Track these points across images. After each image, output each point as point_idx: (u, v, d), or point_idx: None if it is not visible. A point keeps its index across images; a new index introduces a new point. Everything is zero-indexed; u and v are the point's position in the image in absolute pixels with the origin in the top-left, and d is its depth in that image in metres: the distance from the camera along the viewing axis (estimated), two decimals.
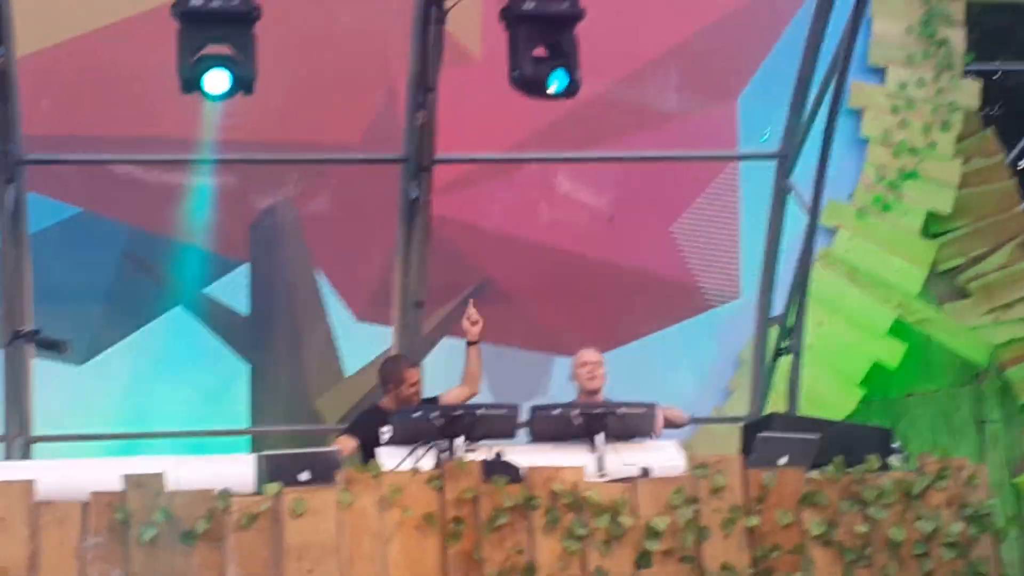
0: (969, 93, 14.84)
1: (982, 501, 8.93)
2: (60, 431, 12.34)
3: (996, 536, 9.05)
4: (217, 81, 10.30)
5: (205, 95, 10.39)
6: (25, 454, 11.66)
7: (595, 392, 10.59)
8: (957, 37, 14.84)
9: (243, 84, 10.33)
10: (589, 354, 10.85)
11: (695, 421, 12.41)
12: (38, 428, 12.01)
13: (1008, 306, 14.64)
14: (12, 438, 11.76)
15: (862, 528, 8.64)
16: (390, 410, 10.17)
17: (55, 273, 12.59)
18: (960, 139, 14.77)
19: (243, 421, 13.72)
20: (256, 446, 11.88)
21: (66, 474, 8.88)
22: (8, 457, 11.51)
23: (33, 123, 11.77)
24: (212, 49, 10.23)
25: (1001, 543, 9.35)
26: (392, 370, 10.87)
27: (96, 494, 8.16)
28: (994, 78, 15.20)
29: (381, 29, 12.01)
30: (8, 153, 11.53)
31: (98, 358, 13.39)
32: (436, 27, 11.22)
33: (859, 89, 14.35)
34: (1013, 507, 13.90)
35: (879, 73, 14.65)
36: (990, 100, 14.90)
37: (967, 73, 14.85)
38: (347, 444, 10.18)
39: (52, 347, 11.24)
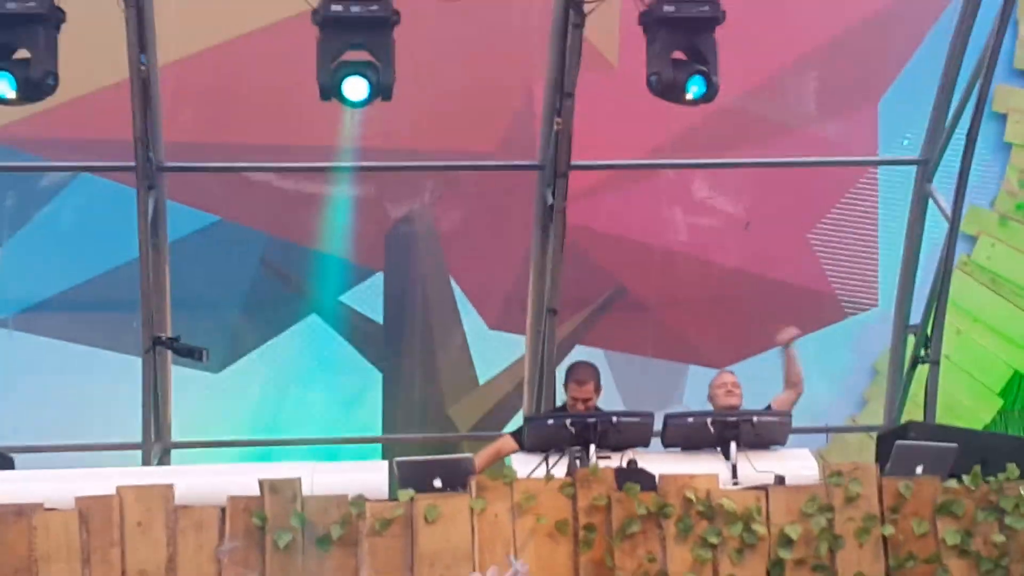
0: None
1: None
2: (197, 438, 12.50)
3: None
4: (356, 87, 10.44)
5: (344, 101, 10.55)
6: (163, 460, 11.79)
7: (734, 408, 10.52)
8: None
9: (381, 90, 10.43)
10: (728, 376, 10.85)
11: (828, 429, 12.38)
12: (176, 434, 12.15)
13: None
14: (151, 444, 11.89)
15: (999, 538, 8.59)
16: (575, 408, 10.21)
17: (193, 281, 12.75)
18: None
19: (376, 429, 13.82)
20: (388, 453, 11.92)
21: (203, 479, 9.04)
22: (147, 463, 11.64)
23: (173, 131, 11.91)
24: (351, 55, 10.38)
25: None
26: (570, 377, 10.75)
27: (233, 499, 8.30)
28: None
29: (519, 34, 12.04)
30: (149, 160, 11.67)
31: (234, 365, 13.54)
32: (575, 32, 11.26)
33: (1004, 93, 14.14)
34: None
35: None
36: None
37: None
38: (506, 446, 10.20)
39: (190, 354, 11.42)
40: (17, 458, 10.05)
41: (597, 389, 10.47)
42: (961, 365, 13.34)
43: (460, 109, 12.91)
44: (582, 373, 10.54)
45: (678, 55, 10.52)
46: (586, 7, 11.10)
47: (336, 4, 10.27)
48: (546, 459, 9.34)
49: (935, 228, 12.63)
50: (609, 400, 12.27)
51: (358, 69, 10.35)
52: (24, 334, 13.54)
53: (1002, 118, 14.29)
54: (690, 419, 9.84)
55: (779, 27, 13.35)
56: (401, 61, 10.45)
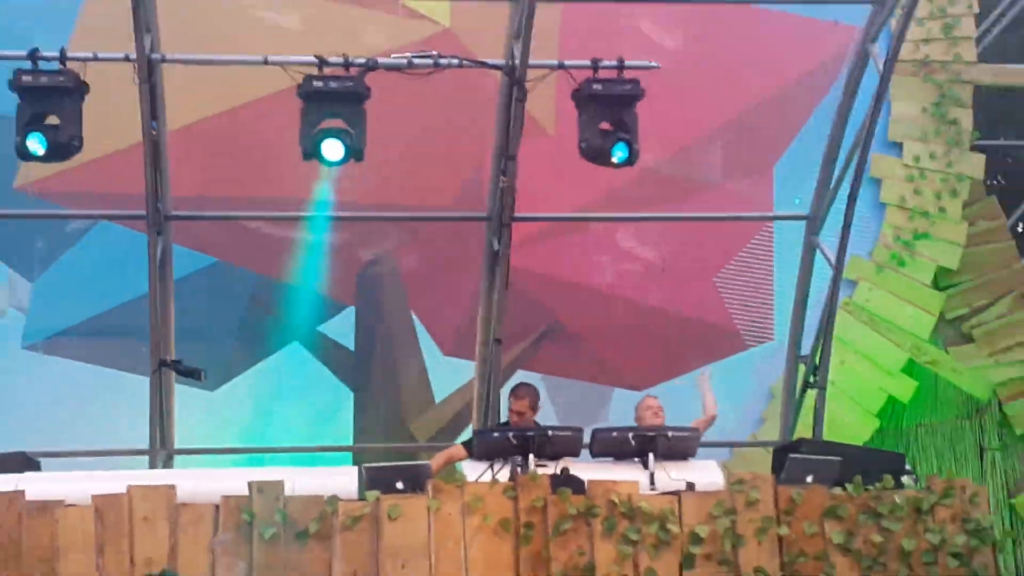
0: (975, 166, 14.78)
1: (983, 517, 8.94)
2: (196, 445, 12.44)
3: (995, 548, 9.08)
4: (333, 150, 10.48)
5: (323, 161, 10.53)
6: (167, 464, 11.76)
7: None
8: (965, 117, 14.78)
9: (354, 153, 10.50)
10: (652, 400, 10.81)
11: (733, 444, 12.41)
12: (178, 443, 12.10)
13: (1007, 350, 14.57)
14: (156, 451, 11.86)
15: (877, 538, 8.68)
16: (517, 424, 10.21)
17: (194, 313, 12.70)
18: (966, 205, 14.71)
19: (347, 439, 13.82)
20: (358, 460, 11.87)
21: (201, 481, 9.01)
22: (153, 466, 11.61)
23: (178, 186, 11.87)
24: (329, 123, 10.39)
25: (999, 554, 9.40)
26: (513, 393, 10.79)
27: (226, 498, 8.35)
28: (997, 153, 15.03)
29: (472, 107, 12.06)
30: (158, 211, 11.63)
31: (228, 385, 13.55)
32: (518, 105, 11.27)
33: (879, 161, 14.31)
34: (1010, 523, 13.78)
35: (897, 147, 14.62)
36: (992, 172, 14.85)
37: (973, 148, 14.78)
38: (456, 454, 10.20)
39: (190, 375, 11.41)
40: (43, 462, 10.01)
41: (533, 406, 10.47)
42: (844, 390, 13.48)
43: (422, 169, 12.99)
44: (521, 390, 10.60)
45: (605, 126, 10.57)
46: (527, 85, 11.13)
47: (317, 80, 10.32)
48: (491, 466, 9.33)
49: (822, 274, 12.69)
50: (546, 416, 12.26)
51: (335, 134, 10.37)
52: (51, 357, 13.50)
53: (878, 182, 14.45)
54: (615, 433, 9.87)
55: (693, 104, 13.48)
56: (372, 128, 10.48)
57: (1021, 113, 15.32)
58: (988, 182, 14.90)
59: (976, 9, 15.00)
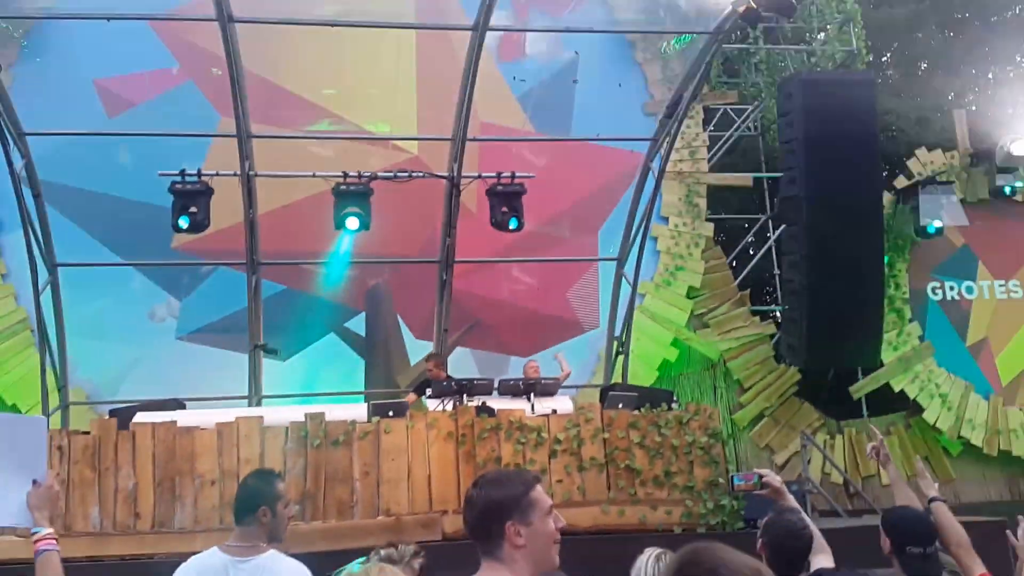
0: (708, 229, 14.83)
1: (716, 426, 9.10)
2: (276, 393, 12.37)
3: (722, 444, 9.23)
4: (352, 224, 10.53)
5: (346, 231, 10.66)
6: (258, 404, 11.67)
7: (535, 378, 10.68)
8: (702, 202, 14.83)
9: (364, 225, 10.64)
10: (533, 362, 10.85)
11: (578, 387, 12.53)
12: (265, 391, 12.04)
13: (727, 332, 14.53)
14: (252, 396, 11.81)
15: (658, 439, 8.82)
16: (434, 378, 10.11)
17: (273, 317, 12.61)
18: (703, 252, 14.73)
19: (361, 387, 13.67)
20: (367, 400, 11.87)
21: (278, 414, 9.07)
22: (250, 406, 11.53)
23: (264, 244, 11.84)
24: (350, 208, 10.44)
25: (725, 447, 9.65)
26: (431, 359, 10.83)
27: (292, 423, 8.41)
28: (721, 222, 15.15)
29: (430, 199, 12.03)
30: (253, 259, 11.67)
31: (293, 357, 13.39)
32: (456, 197, 11.38)
33: (656, 227, 14.22)
34: (729, 431, 13.80)
35: (665, 219, 14.63)
36: (718, 233, 14.88)
37: (707, 219, 14.86)
38: (412, 397, 10.16)
39: (271, 352, 11.34)
40: (188, 404, 10.05)
41: (439, 366, 10.55)
42: (639, 355, 13.43)
43: (401, 234, 12.91)
44: (432, 358, 10.82)
45: (504, 209, 10.68)
46: (461, 186, 11.25)
47: (343, 185, 10.42)
48: (443, 401, 9.43)
49: (626, 290, 12.79)
50: (471, 371, 12.44)
51: (354, 214, 10.46)
52: (193, 344, 13.46)
53: (655, 239, 14.37)
54: (511, 382, 9.99)
55: (553, 195, 13.46)
56: (375, 211, 10.62)
57: (734, 200, 15.41)
58: (715, 238, 14.92)
59: (707, 143, 15.04)
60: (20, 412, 12.32)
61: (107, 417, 8.98)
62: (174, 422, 8.36)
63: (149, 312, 13.55)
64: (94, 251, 12.93)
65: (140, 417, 8.67)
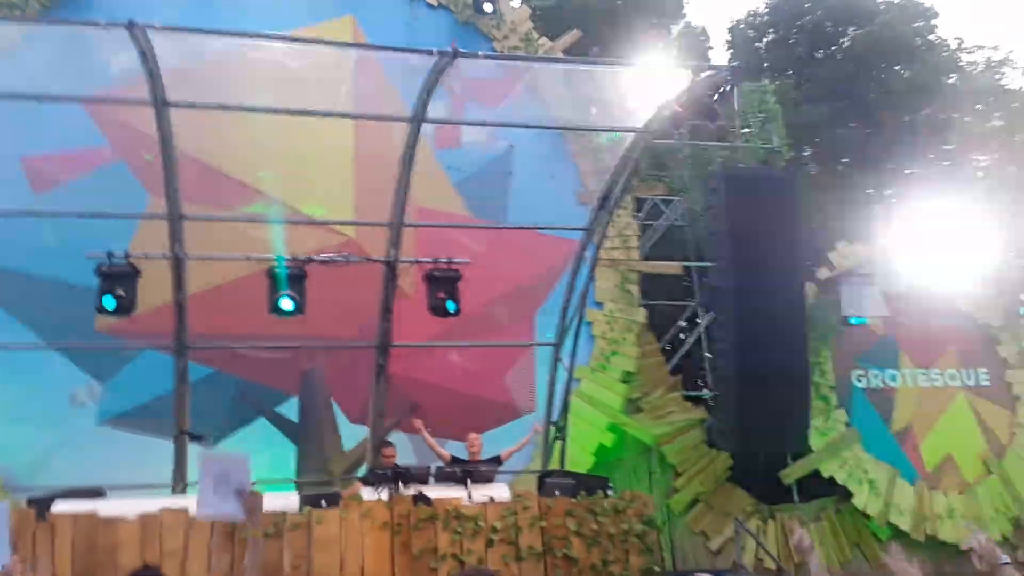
0: (641, 315, 14.99)
1: (651, 514, 8.93)
2: None
3: (657, 531, 9.07)
4: (287, 306, 10.31)
5: (280, 313, 10.34)
6: (183, 492, 11.05)
7: (476, 455, 10.42)
8: (635, 289, 15.00)
9: (299, 309, 10.38)
10: (475, 436, 10.74)
11: (515, 472, 12.18)
12: (191, 478, 11.41)
13: (661, 416, 14.61)
14: (177, 484, 11.12)
15: (594, 526, 8.60)
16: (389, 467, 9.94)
17: (201, 401, 12.16)
18: (637, 336, 14.83)
19: (292, 474, 13.26)
20: (299, 488, 11.50)
21: None
22: (175, 493, 10.96)
23: (191, 326, 11.50)
24: (284, 292, 10.21)
25: (660, 534, 9.51)
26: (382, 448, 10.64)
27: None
28: (653, 309, 15.30)
29: (367, 283, 11.73)
30: (181, 341, 11.32)
31: (221, 443, 12.90)
32: (392, 281, 11.23)
33: (591, 313, 14.33)
34: (665, 516, 13.76)
35: (600, 304, 14.74)
36: (650, 319, 15.03)
37: (640, 306, 15.02)
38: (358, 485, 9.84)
39: (198, 439, 10.92)
40: (110, 492, 9.58)
41: (393, 455, 10.51)
42: (575, 439, 13.17)
43: (337, 317, 12.63)
44: (388, 448, 10.72)
45: (440, 294, 10.57)
46: (398, 270, 11.15)
47: (277, 268, 10.22)
48: (378, 489, 9.15)
49: (563, 374, 12.66)
50: (408, 457, 12.12)
51: (288, 298, 10.30)
52: (115, 430, 12.98)
53: (591, 324, 14.49)
54: (447, 470, 9.74)
55: (490, 281, 13.39)
56: (309, 295, 10.39)
57: (665, 287, 15.65)
58: (648, 324, 15.06)
59: (638, 232, 15.35)
60: None
61: (24, 505, 8.52)
62: (94, 512, 7.92)
63: (70, 395, 12.97)
64: (14, 331, 12.44)
65: (59, 506, 8.21)
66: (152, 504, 8.16)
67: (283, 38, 9.58)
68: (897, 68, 20.42)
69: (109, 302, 9.92)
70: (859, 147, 19.77)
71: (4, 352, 11.79)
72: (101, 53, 10.42)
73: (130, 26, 8.42)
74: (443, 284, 10.64)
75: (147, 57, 8.87)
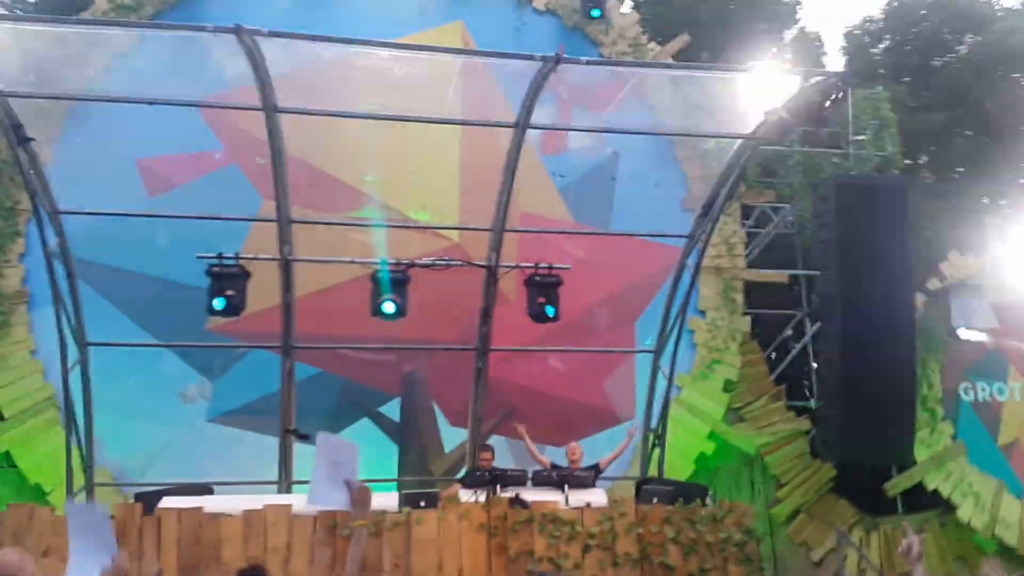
0: (745, 324, 14.77)
1: (750, 524, 8.91)
2: (306, 479, 12.05)
3: (757, 541, 9.04)
4: (389, 309, 10.37)
5: (383, 316, 10.40)
6: (288, 490, 11.20)
7: (576, 464, 10.38)
8: (739, 297, 14.78)
9: (401, 312, 10.42)
10: (575, 445, 10.75)
11: (613, 479, 12.19)
12: (296, 476, 11.64)
13: (764, 426, 14.41)
14: (282, 482, 11.36)
15: (692, 535, 8.60)
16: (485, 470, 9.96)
17: (308, 401, 12.41)
18: (740, 345, 14.64)
19: (393, 473, 13.44)
20: (399, 488, 11.63)
21: (305, 502, 8.78)
22: (280, 492, 11.10)
23: (299, 327, 11.70)
24: (387, 296, 10.25)
25: (760, 544, 9.40)
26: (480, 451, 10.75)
27: (321, 511, 8.01)
28: (756, 317, 15.06)
29: (468, 287, 11.80)
30: (288, 343, 11.53)
31: None
32: (493, 285, 11.26)
33: (693, 320, 14.18)
34: (766, 526, 13.58)
35: (702, 313, 14.56)
36: (754, 328, 14.79)
37: (744, 314, 14.81)
38: (456, 487, 9.87)
39: (303, 438, 11.01)
40: (216, 488, 9.84)
41: (492, 458, 10.41)
42: (674, 447, 13.01)
43: (438, 321, 12.75)
44: (486, 450, 10.65)
45: (541, 300, 10.56)
46: (499, 275, 11.18)
47: (380, 272, 10.33)
48: (475, 492, 9.20)
49: (662, 382, 12.51)
50: (506, 461, 12.09)
51: (390, 301, 10.39)
52: (224, 426, 13.30)
53: (692, 332, 14.30)
54: (545, 473, 9.79)
55: (590, 286, 13.31)
56: (412, 298, 10.47)
57: (769, 296, 15.39)
58: (752, 333, 14.85)
59: (745, 240, 15.12)
60: (43, 492, 12.16)
61: (132, 501, 8.78)
62: (200, 508, 8.11)
63: (180, 393, 13.32)
64: (127, 330, 12.76)
65: (166, 502, 8.45)
66: (257, 501, 8.35)
67: (389, 45, 9.65)
68: (1015, 76, 19.70)
69: (219, 302, 10.14)
70: (974, 156, 19.16)
71: (118, 350, 12.10)
72: (215, 57, 10.62)
73: (238, 31, 8.58)
74: (544, 289, 10.62)
75: (256, 62, 9.05)
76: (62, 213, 10.77)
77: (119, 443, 12.57)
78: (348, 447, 4.20)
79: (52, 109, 12.76)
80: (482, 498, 8.87)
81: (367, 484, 4.06)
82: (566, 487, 9.32)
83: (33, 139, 9.93)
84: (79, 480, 11.21)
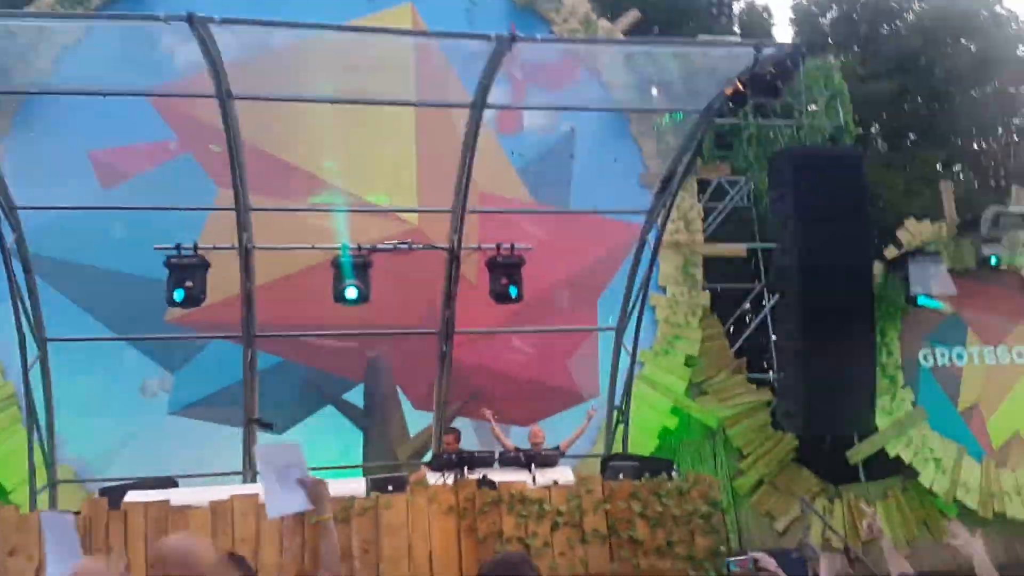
0: (705, 299, 14.87)
1: (716, 495, 8.87)
2: None
3: (723, 512, 9.00)
4: (352, 295, 10.33)
5: (345, 302, 10.35)
6: (252, 480, 11.16)
7: (538, 447, 10.40)
8: (699, 272, 14.88)
9: (364, 297, 10.39)
10: (537, 429, 10.75)
11: (578, 457, 12.23)
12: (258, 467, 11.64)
13: (725, 399, 14.53)
14: (247, 472, 11.29)
15: (659, 509, 8.55)
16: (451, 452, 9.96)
17: (269, 389, 12.30)
18: (700, 320, 14.72)
19: (359, 459, 13.42)
20: (366, 473, 11.61)
21: None
22: (244, 482, 11.06)
23: (260, 316, 11.63)
24: (350, 282, 10.20)
25: (726, 515, 9.47)
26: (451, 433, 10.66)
27: None
28: (717, 292, 15.18)
29: (430, 270, 11.83)
30: (249, 332, 11.44)
31: (288, 431, 12.89)
32: (456, 268, 11.22)
33: (654, 297, 14.19)
34: (730, 498, 13.74)
35: (663, 289, 14.64)
36: (714, 302, 14.90)
37: (703, 289, 14.89)
38: (424, 471, 9.87)
39: (266, 427, 10.99)
40: (181, 481, 9.75)
41: (456, 440, 10.39)
42: (638, 423, 13.06)
43: (401, 305, 12.68)
44: (450, 433, 10.59)
45: (503, 280, 10.54)
46: (461, 256, 11.15)
47: (342, 257, 10.26)
48: (443, 474, 9.21)
49: (625, 359, 12.56)
50: (472, 444, 12.11)
51: (353, 287, 10.31)
52: (186, 418, 13.19)
53: (654, 308, 14.36)
54: (511, 454, 9.79)
55: (552, 266, 13.33)
56: (374, 283, 10.41)
57: (727, 270, 15.49)
58: (712, 307, 14.97)
59: (702, 214, 15.20)
60: (5, 491, 12.01)
61: (97, 496, 8.69)
62: (167, 501, 8.03)
63: (141, 386, 13.21)
64: (86, 325, 12.61)
65: (131, 496, 8.34)
66: (223, 492, 8.28)
67: (344, 28, 9.56)
68: (963, 42, 19.87)
69: (179, 294, 10.04)
70: (926, 123, 19.34)
71: (77, 345, 11.97)
72: (164, 46, 10.49)
73: (191, 19, 8.45)
74: (506, 270, 10.62)
75: (209, 50, 8.91)
76: (19, 209, 10.60)
77: (81, 439, 12.42)
78: (290, 448, 4.19)
79: (1, 104, 12.54)
80: (450, 480, 8.88)
81: (321, 478, 4.06)
82: (533, 466, 9.34)
83: None
84: (42, 477, 11.10)
